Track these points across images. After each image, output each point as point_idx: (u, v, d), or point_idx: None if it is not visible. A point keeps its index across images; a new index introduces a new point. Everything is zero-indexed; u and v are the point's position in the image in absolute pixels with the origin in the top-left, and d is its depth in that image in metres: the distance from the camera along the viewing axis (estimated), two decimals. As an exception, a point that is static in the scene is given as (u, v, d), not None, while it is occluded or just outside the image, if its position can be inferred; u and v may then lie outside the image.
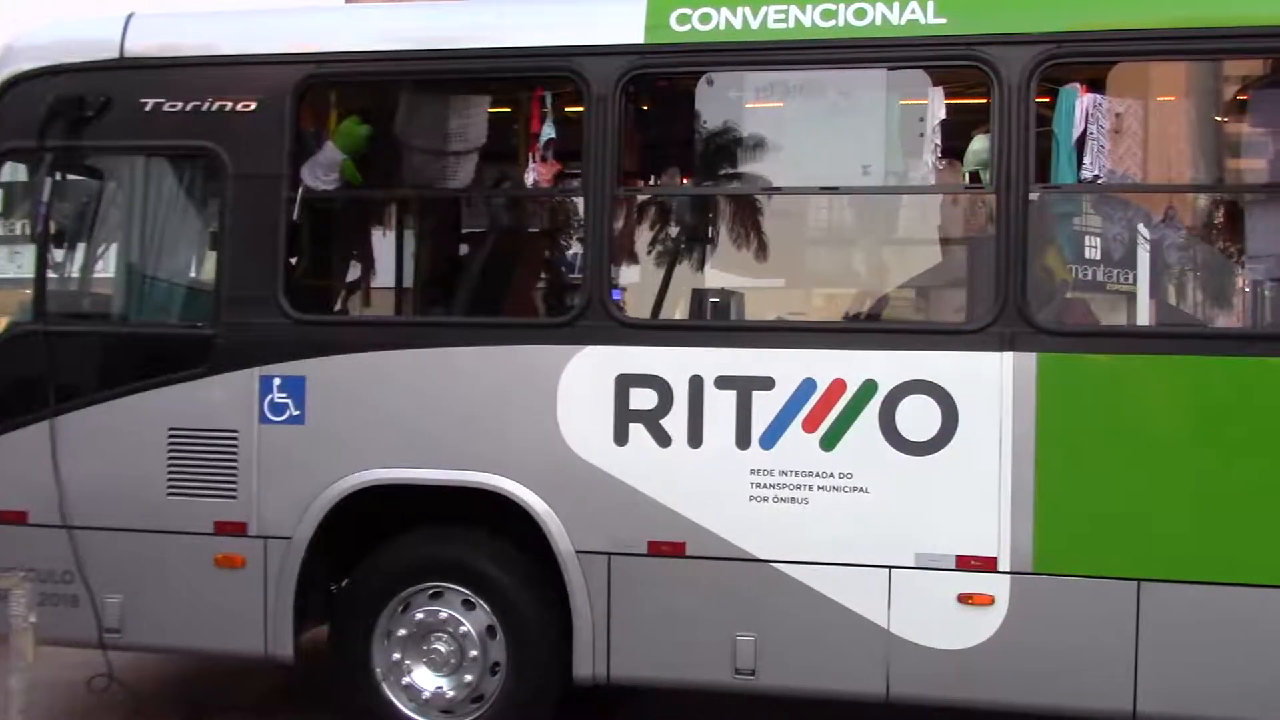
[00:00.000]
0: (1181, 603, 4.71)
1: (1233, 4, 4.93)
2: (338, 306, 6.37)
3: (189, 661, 6.83)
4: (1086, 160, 4.98)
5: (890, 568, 4.89)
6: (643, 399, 5.04)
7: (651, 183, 5.94)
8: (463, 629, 5.32)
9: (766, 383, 4.97)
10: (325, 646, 5.59)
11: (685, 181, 5.93)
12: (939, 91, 5.10)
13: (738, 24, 5.07)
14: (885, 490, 4.90)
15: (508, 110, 5.94)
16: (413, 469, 5.28)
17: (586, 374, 5.09)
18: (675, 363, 5.03)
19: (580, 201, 5.44)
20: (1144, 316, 7.08)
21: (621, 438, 5.06)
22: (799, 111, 5.37)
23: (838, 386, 4.93)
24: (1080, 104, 4.98)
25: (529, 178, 5.44)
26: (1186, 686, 4.73)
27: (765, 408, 4.96)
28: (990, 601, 4.82)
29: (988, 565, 4.83)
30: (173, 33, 5.68)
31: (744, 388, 4.98)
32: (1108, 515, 4.79)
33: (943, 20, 4.95)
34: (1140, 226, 5.60)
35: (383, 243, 6.66)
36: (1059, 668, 4.80)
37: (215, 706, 6.41)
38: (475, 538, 5.39)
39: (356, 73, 5.54)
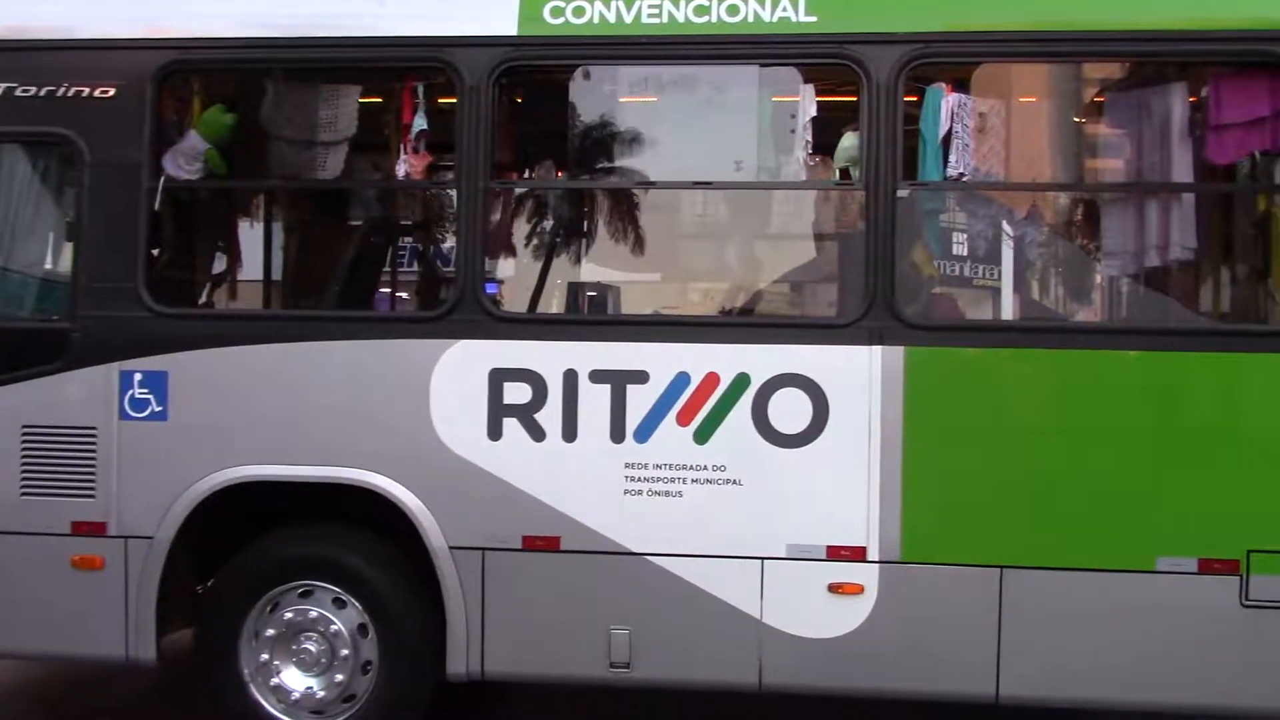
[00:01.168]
0: (1041, 588, 4.86)
1: (1091, 8, 5.09)
2: (203, 299, 6.20)
3: (49, 665, 6.59)
4: (952, 158, 5.10)
5: (763, 559, 4.95)
6: (517, 393, 5.02)
7: (526, 176, 5.91)
8: (333, 628, 5.23)
9: (641, 376, 4.98)
10: (191, 647, 5.44)
11: (560, 175, 5.91)
12: (810, 89, 5.16)
13: (611, 18, 5.07)
14: (758, 482, 4.95)
15: (379, 101, 5.84)
16: (282, 465, 5.17)
17: (460, 368, 5.04)
18: (549, 357, 5.01)
19: (453, 194, 5.38)
20: (1009, 311, 7.28)
21: (495, 432, 5.03)
22: (673, 106, 5.39)
23: (711, 380, 4.96)
24: (946, 103, 5.10)
25: (400, 169, 5.37)
26: (1046, 669, 4.89)
27: (639, 402, 4.97)
28: (860, 590, 4.91)
29: (857, 555, 4.92)
30: (26, 13, 5.45)
31: (618, 382, 4.99)
32: (972, 505, 4.92)
33: (813, 18, 5.02)
34: (1005, 223, 5.74)
35: (250, 234, 6.50)
36: (926, 653, 4.92)
37: (76, 710, 6.20)
38: (346, 535, 5.31)
39: (221, 60, 5.38)
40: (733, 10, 5.04)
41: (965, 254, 6.72)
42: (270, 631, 5.25)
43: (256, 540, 5.30)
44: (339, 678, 5.23)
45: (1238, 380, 4.89)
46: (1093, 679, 4.90)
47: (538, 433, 5.01)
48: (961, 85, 5.24)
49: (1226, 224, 5.66)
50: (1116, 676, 4.89)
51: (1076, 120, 5.70)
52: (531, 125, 5.63)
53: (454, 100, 5.15)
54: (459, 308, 5.07)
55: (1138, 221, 5.25)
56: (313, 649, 5.24)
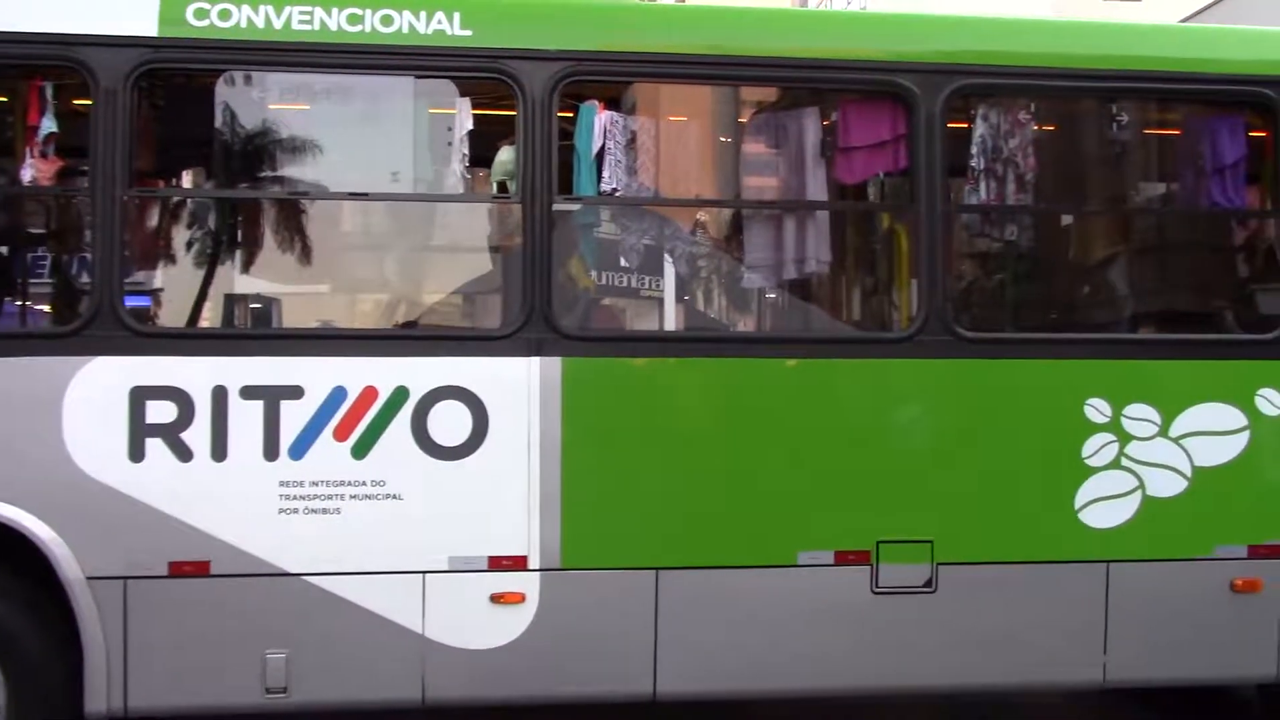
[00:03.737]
0: (695, 587, 5.07)
1: (737, 36, 5.36)
2: None
3: None
4: (605, 174, 5.25)
5: (424, 573, 4.92)
6: (161, 412, 4.76)
7: (173, 184, 5.63)
8: (-47, 673, 4.80)
9: (295, 392, 4.84)
10: None
11: (209, 183, 5.67)
12: (466, 102, 5.19)
13: (260, 23, 4.90)
14: (418, 496, 4.91)
15: (3, 100, 5.41)
16: (-114, 500, 4.69)
17: (96, 387, 4.73)
18: (196, 373, 4.79)
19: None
20: (671, 322, 7.55)
21: (137, 454, 4.75)
22: (326, 115, 5.30)
23: (369, 394, 4.89)
24: (599, 120, 5.25)
25: (26, 174, 4.98)
26: (701, 665, 5.09)
27: (294, 417, 4.84)
28: (521, 599, 4.97)
29: (519, 564, 4.97)
30: None
31: (271, 397, 4.83)
32: (629, 510, 5.07)
33: (469, 32, 5.04)
34: (664, 236, 5.93)
35: None
36: (587, 657, 5.03)
37: None
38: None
39: None
40: (387, 21, 4.99)
41: (628, 266, 6.91)
42: (-122, 683, 4.76)
43: None
44: (-39, 726, 4.81)
45: (867, 384, 5.28)
46: (744, 671, 5.15)
47: (184, 453, 4.78)
48: (616, 103, 5.41)
49: (857, 239, 6.11)
50: (766, 667, 5.16)
51: (725, 139, 5.99)
52: (176, 131, 5.36)
53: (89, 102, 4.85)
54: (95, 323, 4.76)
55: (781, 236, 5.57)
56: (-71, 697, 4.79)
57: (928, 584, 5.19)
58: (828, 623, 5.16)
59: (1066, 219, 6.27)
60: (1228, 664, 5.44)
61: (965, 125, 5.52)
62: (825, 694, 5.41)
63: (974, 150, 5.49)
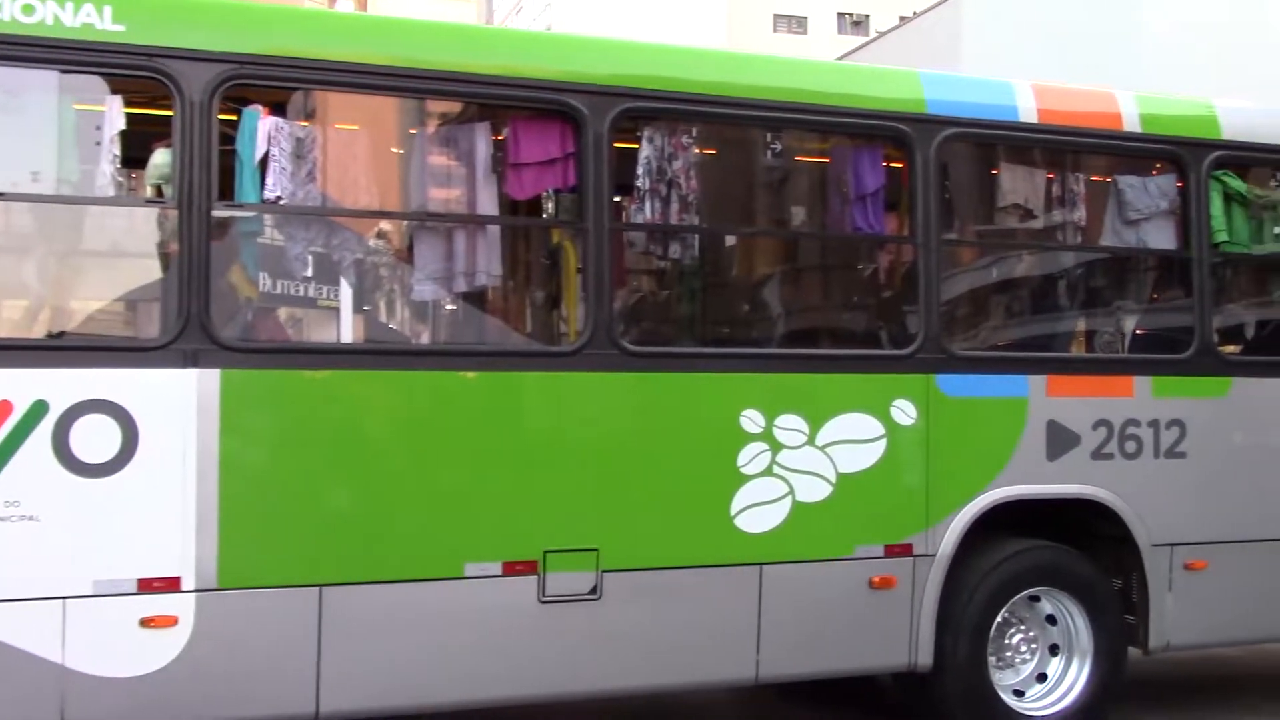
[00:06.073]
0: (360, 603, 5.00)
1: (407, 47, 5.36)
2: None
3: None
4: (269, 181, 5.10)
5: (65, 599, 4.61)
6: None
7: None
8: None
9: (-84, 406, 4.46)
10: None
11: None
12: (118, 100, 4.92)
13: (-121, 3, 4.50)
14: (59, 517, 4.61)
15: None
16: None
17: None
18: None
19: None
20: (348, 332, 7.41)
21: None
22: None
23: (3, 408, 4.55)
24: (262, 125, 5.09)
25: None
26: (367, 681, 5.02)
27: (-85, 434, 4.45)
28: (174, 623, 4.74)
29: (171, 586, 4.75)
30: None
31: (-115, 413, 4.43)
32: (291, 526, 4.96)
33: (121, 27, 4.79)
34: (336, 246, 5.83)
35: None
36: (246, 680, 4.87)
37: None
38: None
39: None
40: (28, 10, 4.68)
41: (300, 275, 6.74)
42: None
43: None
44: None
45: (535, 396, 5.38)
46: (411, 686, 5.11)
47: None
48: (283, 109, 5.26)
49: (528, 254, 6.21)
50: (433, 681, 5.15)
51: (398, 150, 5.94)
52: None
53: None
54: None
55: (452, 249, 5.57)
56: None
57: (593, 591, 5.32)
58: (495, 633, 5.20)
59: (728, 239, 6.60)
60: (867, 656, 5.87)
61: (633, 146, 5.72)
62: (494, 704, 5.46)
63: (640, 171, 5.70)
